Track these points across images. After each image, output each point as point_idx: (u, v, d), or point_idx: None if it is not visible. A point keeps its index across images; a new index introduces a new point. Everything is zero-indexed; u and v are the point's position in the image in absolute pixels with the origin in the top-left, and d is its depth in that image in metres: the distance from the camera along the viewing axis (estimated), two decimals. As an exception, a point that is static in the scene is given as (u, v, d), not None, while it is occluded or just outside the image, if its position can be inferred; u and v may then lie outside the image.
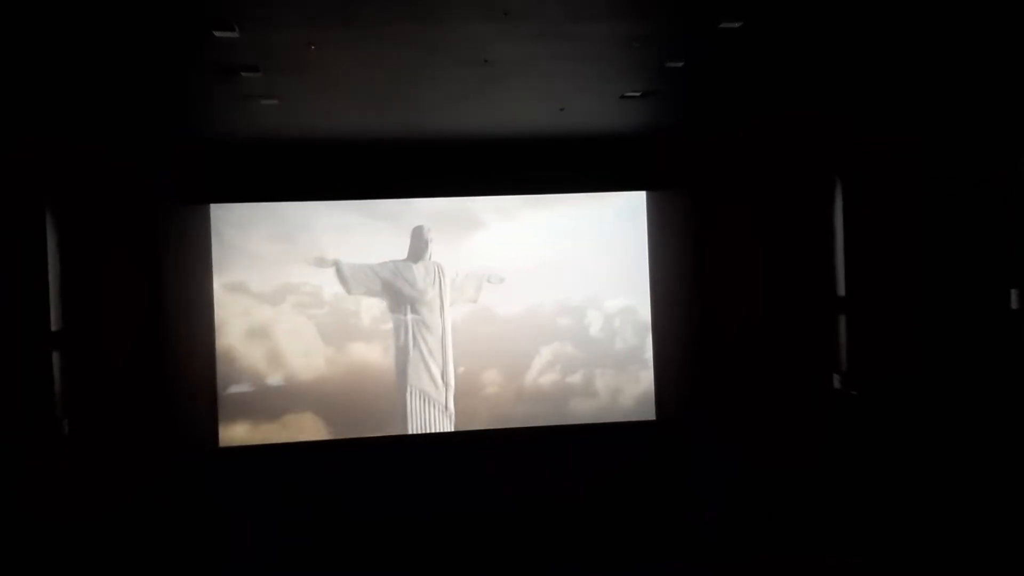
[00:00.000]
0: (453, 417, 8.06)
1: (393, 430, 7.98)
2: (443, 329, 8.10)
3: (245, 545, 7.40)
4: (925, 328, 5.16)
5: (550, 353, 8.22)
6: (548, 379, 8.20)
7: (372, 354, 8.00)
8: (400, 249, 8.05)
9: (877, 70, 5.38)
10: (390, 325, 8.03)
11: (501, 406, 8.13)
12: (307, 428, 7.87)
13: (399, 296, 8.03)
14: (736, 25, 4.66)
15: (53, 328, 5.52)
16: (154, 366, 7.50)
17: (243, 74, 5.16)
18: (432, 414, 8.06)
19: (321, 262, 7.87)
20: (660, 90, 5.99)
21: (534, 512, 7.80)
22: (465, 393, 8.10)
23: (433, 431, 8.01)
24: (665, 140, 7.75)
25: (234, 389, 7.76)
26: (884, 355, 5.53)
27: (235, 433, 7.76)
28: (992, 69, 4.57)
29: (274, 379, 7.84)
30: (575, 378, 8.21)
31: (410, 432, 7.99)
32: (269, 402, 7.82)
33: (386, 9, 4.28)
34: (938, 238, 5.11)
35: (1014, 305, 4.56)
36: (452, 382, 8.09)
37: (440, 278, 8.09)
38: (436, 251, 8.07)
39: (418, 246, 8.04)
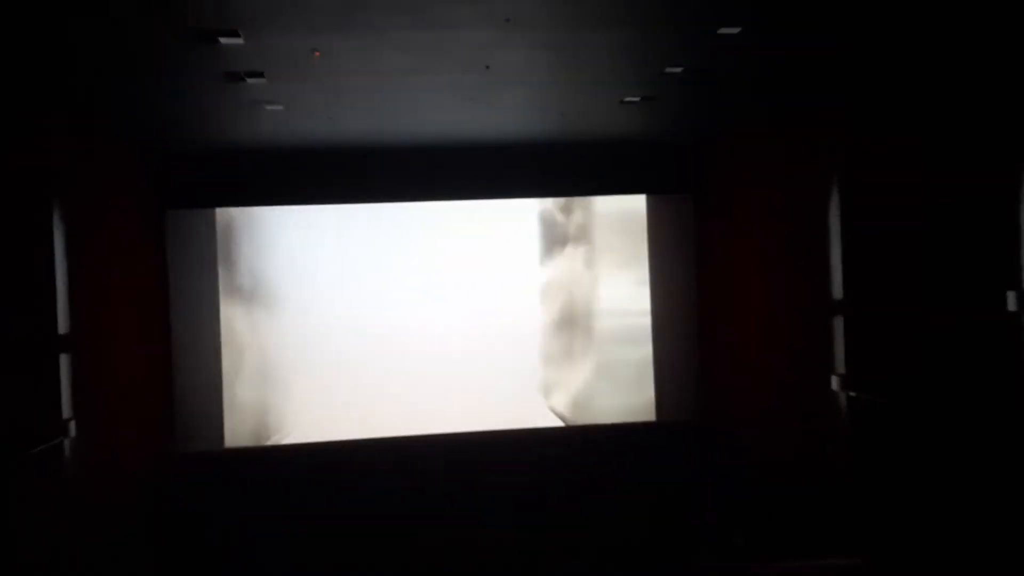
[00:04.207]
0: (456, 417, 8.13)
1: (396, 431, 8.03)
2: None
3: (250, 545, 7.45)
4: (923, 330, 5.19)
5: (550, 355, 8.27)
6: (547, 380, 8.24)
7: (374, 352, 8.06)
8: (401, 250, 8.12)
9: (875, 71, 5.42)
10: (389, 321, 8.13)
11: (501, 407, 8.18)
12: (311, 429, 7.93)
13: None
14: (735, 31, 4.72)
15: (61, 331, 5.58)
16: (160, 367, 7.57)
17: (248, 80, 5.23)
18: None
19: None
20: (659, 95, 6.05)
21: (534, 513, 7.83)
22: (465, 394, 8.15)
23: (435, 432, 8.07)
24: (665, 144, 7.80)
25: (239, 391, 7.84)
26: (882, 357, 5.57)
27: (240, 434, 7.82)
28: (992, 69, 4.60)
29: (278, 380, 7.90)
30: (574, 380, 8.26)
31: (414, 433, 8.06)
32: (274, 403, 7.88)
33: (389, 16, 4.34)
34: (936, 240, 5.14)
35: (1011, 307, 4.59)
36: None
37: None
38: (438, 252, 8.15)
39: None
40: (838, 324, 6.01)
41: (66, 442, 5.53)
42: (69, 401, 5.60)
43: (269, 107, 5.92)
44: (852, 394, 5.81)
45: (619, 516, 7.89)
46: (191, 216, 7.79)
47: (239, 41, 4.53)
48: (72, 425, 5.56)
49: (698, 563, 6.85)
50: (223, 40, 4.50)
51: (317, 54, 4.83)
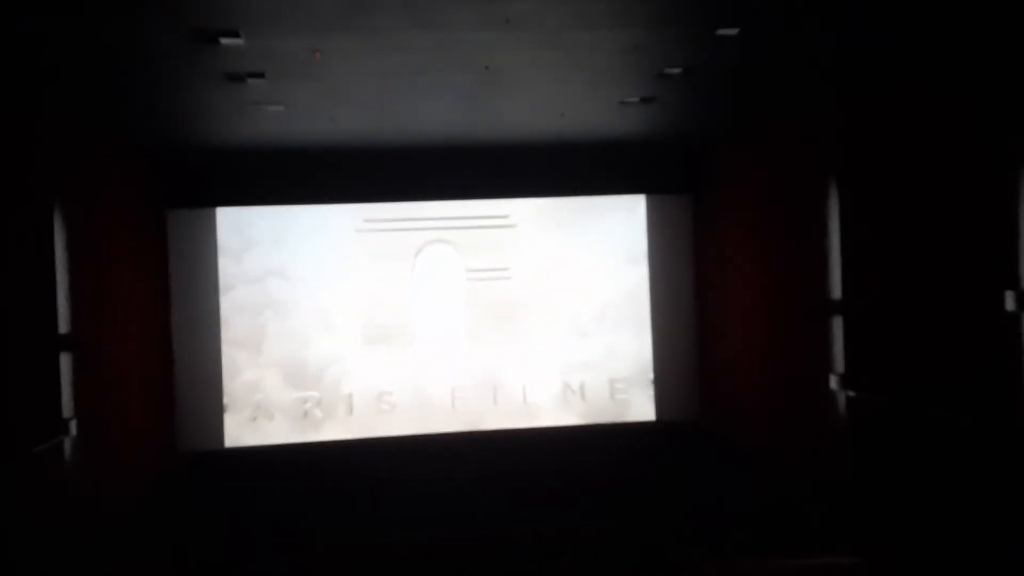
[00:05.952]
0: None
1: (396, 431, 8.05)
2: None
3: (250, 544, 7.46)
4: (921, 329, 5.21)
5: (549, 354, 8.28)
6: (548, 380, 8.26)
7: (373, 350, 8.08)
8: (402, 249, 8.13)
9: (873, 71, 5.44)
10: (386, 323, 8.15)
11: (501, 406, 8.19)
12: (313, 428, 7.95)
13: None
14: (733, 32, 4.74)
15: (61, 331, 5.59)
16: (161, 367, 7.59)
17: (249, 80, 5.25)
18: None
19: None
20: (659, 96, 6.07)
21: (533, 512, 7.84)
22: (466, 393, 8.17)
23: (435, 432, 8.09)
24: (664, 144, 7.82)
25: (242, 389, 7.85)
26: (881, 356, 5.58)
27: (241, 433, 7.84)
28: (991, 68, 4.62)
29: (280, 379, 7.92)
30: (574, 379, 8.27)
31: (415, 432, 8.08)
32: (274, 402, 7.89)
33: (389, 17, 4.36)
34: (934, 239, 5.15)
35: (1009, 307, 4.60)
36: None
37: None
38: (439, 253, 8.17)
39: None
40: (837, 323, 6.03)
41: (67, 441, 5.55)
42: (70, 400, 5.62)
43: (269, 107, 5.94)
44: (851, 393, 5.83)
45: (618, 516, 7.90)
46: (191, 216, 7.81)
47: (239, 41, 4.55)
48: (73, 424, 5.57)
49: (696, 562, 6.86)
50: (224, 40, 4.52)
51: (318, 55, 4.85)
